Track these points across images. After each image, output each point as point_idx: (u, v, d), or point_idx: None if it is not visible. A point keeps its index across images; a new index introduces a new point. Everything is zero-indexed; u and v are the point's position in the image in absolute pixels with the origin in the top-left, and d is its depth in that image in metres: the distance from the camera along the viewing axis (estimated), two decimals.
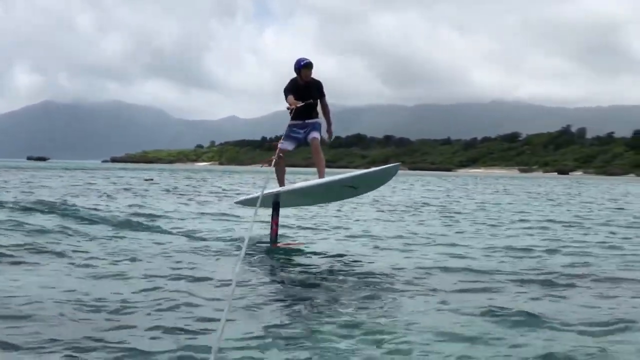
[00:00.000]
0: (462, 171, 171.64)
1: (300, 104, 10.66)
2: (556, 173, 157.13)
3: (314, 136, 10.95)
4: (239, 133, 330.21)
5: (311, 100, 10.98)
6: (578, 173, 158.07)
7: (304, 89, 10.91)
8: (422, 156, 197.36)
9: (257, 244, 11.33)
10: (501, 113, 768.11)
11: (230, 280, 7.20)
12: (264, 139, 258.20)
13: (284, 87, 11.08)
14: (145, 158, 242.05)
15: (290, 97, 10.78)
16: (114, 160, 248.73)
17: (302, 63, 10.93)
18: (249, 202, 12.38)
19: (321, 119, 11.23)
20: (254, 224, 11.64)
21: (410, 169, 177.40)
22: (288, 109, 10.80)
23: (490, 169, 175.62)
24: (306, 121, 10.95)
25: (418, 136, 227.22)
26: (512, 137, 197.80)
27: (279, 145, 10.95)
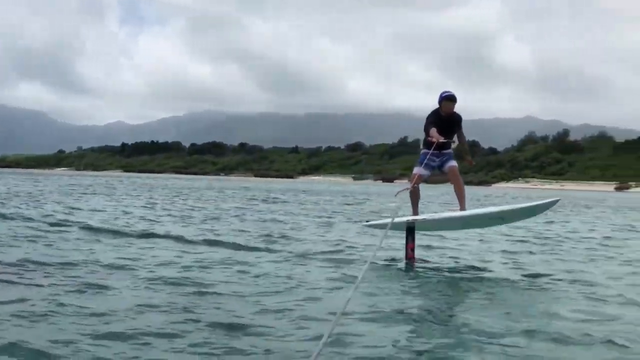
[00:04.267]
0: (302, 178, 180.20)
1: (442, 139, 10.76)
2: (382, 181, 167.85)
3: (452, 164, 11.09)
4: (125, 138, 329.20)
5: (454, 140, 11.25)
6: (404, 181, 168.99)
7: (446, 122, 11.02)
8: (270, 164, 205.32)
9: (390, 266, 10.75)
10: (385, 122, 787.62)
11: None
12: (124, 145, 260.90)
13: (426, 116, 11.16)
14: (3, 163, 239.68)
15: (434, 130, 10.80)
16: None
17: (443, 95, 11.06)
18: (381, 226, 11.78)
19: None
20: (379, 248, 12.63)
21: (255, 175, 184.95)
22: (430, 140, 10.92)
23: (329, 176, 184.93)
24: (442, 151, 11.08)
25: (308, 145, 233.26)
26: (355, 147, 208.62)
27: (416, 172, 11.06)
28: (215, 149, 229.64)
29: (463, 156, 11.83)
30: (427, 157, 10.95)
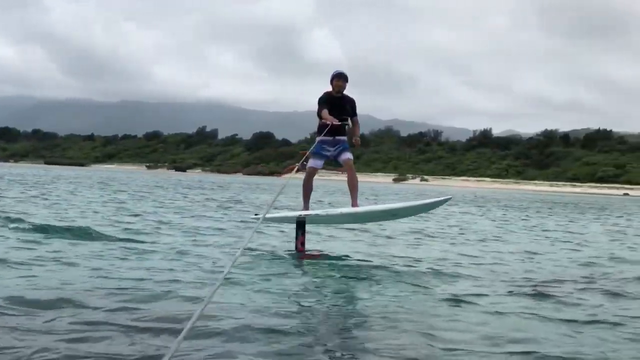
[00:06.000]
0: (95, 166, 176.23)
1: (336, 122, 10.27)
2: (174, 170, 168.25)
3: (348, 157, 10.60)
4: None
5: (348, 122, 10.66)
6: (197, 170, 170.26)
7: (339, 104, 10.55)
8: (63, 151, 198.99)
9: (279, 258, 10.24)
10: (197, 111, 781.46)
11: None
12: None
13: (318, 100, 10.65)
14: None
15: (325, 112, 10.33)
16: None
17: (335, 73, 10.64)
18: (275, 220, 11.55)
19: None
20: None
21: (46, 163, 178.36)
22: (322, 124, 10.46)
23: (123, 165, 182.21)
24: (336, 138, 10.55)
25: (116, 133, 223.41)
26: (153, 136, 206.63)
27: (309, 164, 10.63)
28: (6, 135, 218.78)
29: (352, 136, 11.17)
30: (321, 146, 10.58)
